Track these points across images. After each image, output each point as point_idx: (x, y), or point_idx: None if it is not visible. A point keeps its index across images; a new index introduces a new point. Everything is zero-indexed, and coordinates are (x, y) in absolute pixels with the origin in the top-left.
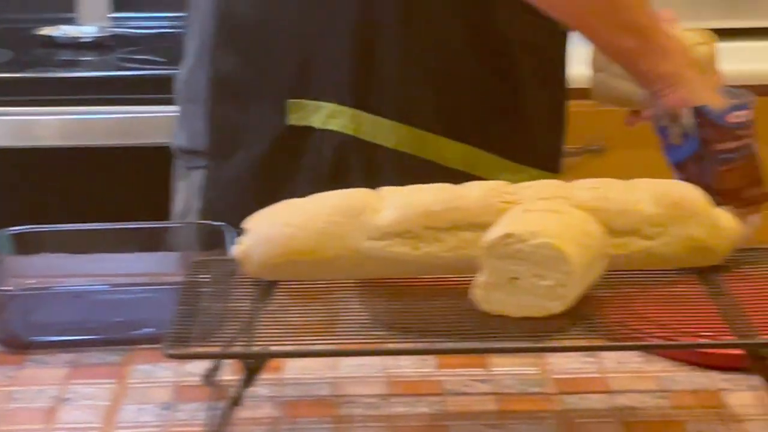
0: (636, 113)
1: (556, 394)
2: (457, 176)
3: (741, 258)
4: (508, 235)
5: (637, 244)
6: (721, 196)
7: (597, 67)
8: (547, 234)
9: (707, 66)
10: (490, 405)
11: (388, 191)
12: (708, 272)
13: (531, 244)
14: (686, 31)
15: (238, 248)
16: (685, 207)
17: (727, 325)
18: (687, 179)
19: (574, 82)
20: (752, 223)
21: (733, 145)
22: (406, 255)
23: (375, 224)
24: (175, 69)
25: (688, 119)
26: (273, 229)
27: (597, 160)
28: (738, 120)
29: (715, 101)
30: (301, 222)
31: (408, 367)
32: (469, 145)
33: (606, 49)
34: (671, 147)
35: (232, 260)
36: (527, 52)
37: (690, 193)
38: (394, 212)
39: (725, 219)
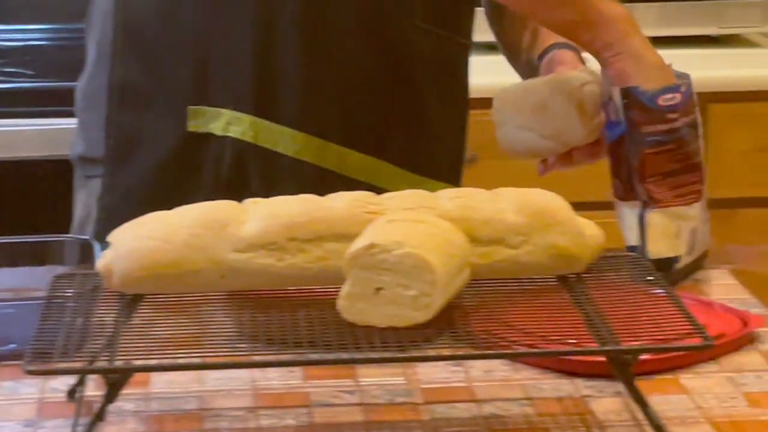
0: (545, 162)
1: (423, 403)
2: (358, 186)
3: (604, 265)
4: (372, 246)
5: (502, 252)
6: (645, 179)
7: (501, 121)
8: (411, 244)
9: (596, 103)
10: (358, 416)
11: (252, 203)
12: (572, 280)
13: (395, 254)
14: (575, 72)
15: (101, 262)
16: (548, 215)
17: (591, 333)
18: (616, 160)
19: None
20: (692, 213)
21: (662, 127)
22: (271, 267)
23: (239, 236)
24: (44, 82)
25: (617, 99)
26: (136, 242)
27: (469, 170)
28: (669, 103)
29: (653, 74)
30: (164, 235)
31: (275, 379)
32: (369, 155)
33: (546, 23)
34: (610, 124)
35: (97, 274)
36: (428, 64)
37: (553, 202)
38: (259, 224)
39: (588, 227)
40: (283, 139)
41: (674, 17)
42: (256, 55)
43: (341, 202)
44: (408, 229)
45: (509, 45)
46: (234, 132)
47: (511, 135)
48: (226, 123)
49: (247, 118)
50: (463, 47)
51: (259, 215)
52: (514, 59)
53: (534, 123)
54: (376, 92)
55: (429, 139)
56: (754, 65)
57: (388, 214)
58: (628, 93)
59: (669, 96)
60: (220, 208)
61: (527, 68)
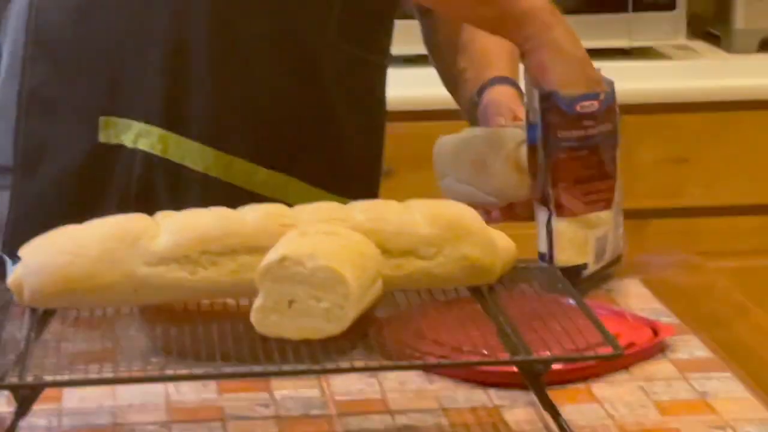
0: (488, 213)
1: (337, 415)
2: (266, 202)
3: (516, 275)
4: (284, 258)
5: (414, 264)
6: (556, 184)
7: (441, 173)
8: (323, 256)
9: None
10: (272, 428)
11: (164, 216)
12: (484, 290)
13: (308, 266)
14: (512, 129)
15: (11, 277)
16: (460, 227)
17: (503, 343)
18: (533, 162)
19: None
20: (601, 219)
21: (577, 133)
22: (184, 280)
23: (151, 250)
24: None
25: (536, 102)
26: (47, 257)
27: (384, 182)
28: (587, 110)
29: (573, 68)
30: (76, 249)
31: (189, 393)
32: (279, 172)
33: (469, 21)
34: (529, 126)
35: (8, 289)
36: (342, 82)
37: (464, 213)
38: (170, 237)
39: (500, 238)
40: (192, 154)
41: (587, 30)
42: (167, 68)
43: (254, 215)
44: (320, 242)
45: (448, 76)
46: (143, 144)
47: (452, 188)
48: (137, 135)
49: (156, 131)
50: (378, 66)
51: (171, 228)
52: (452, 88)
53: (474, 179)
54: (287, 109)
55: (343, 158)
56: (666, 77)
57: (300, 226)
58: (547, 97)
59: (587, 103)
60: (132, 221)
61: (468, 104)
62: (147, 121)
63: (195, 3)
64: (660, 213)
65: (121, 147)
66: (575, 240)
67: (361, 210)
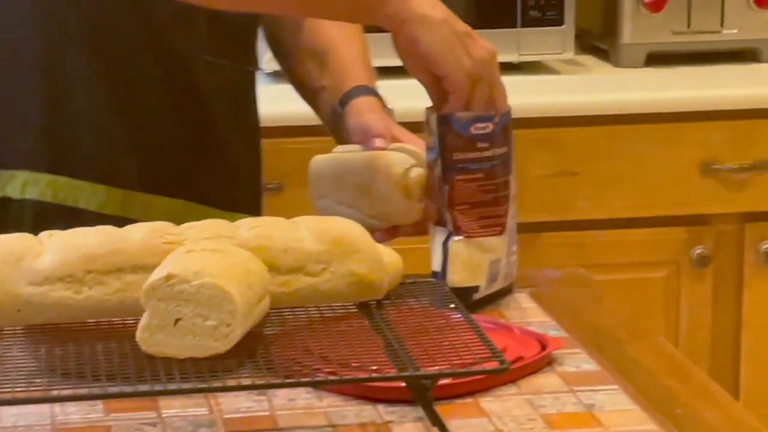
0: (371, 233)
1: None
2: None
3: (404, 291)
4: (169, 276)
5: (302, 281)
6: (453, 206)
7: (318, 194)
8: (209, 274)
9: (422, 185)
10: None
11: (48, 235)
12: (372, 306)
13: (193, 284)
14: (399, 154)
15: None
16: (347, 243)
17: (390, 358)
18: (431, 183)
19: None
20: (496, 245)
21: (472, 156)
22: (69, 299)
23: (35, 269)
24: None
25: (433, 124)
26: None
27: (274, 198)
28: (481, 132)
29: (443, 31)
30: None
31: (75, 413)
32: (175, 198)
33: (325, 16)
34: (428, 149)
35: None
36: (220, 96)
37: (351, 230)
38: (55, 256)
39: (387, 253)
40: (84, 195)
41: None
42: (46, 113)
43: (139, 233)
44: (206, 259)
45: (301, 82)
46: (31, 193)
47: (330, 210)
48: (22, 185)
49: (44, 178)
50: (249, 74)
51: (55, 247)
52: (310, 99)
53: (356, 203)
54: (173, 133)
55: (229, 173)
56: (554, 91)
57: (186, 244)
58: (443, 120)
59: (482, 125)
60: (15, 240)
61: (330, 116)
62: (33, 169)
63: (70, 45)
64: (549, 226)
65: (7, 200)
66: (470, 262)
67: (247, 227)
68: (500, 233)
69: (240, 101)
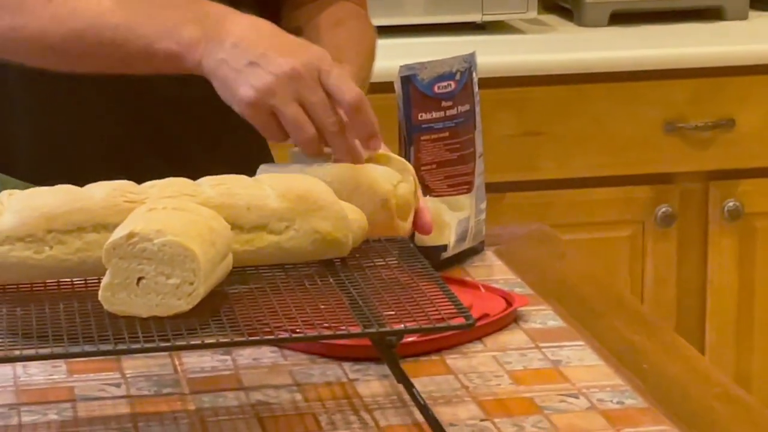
0: None
1: (190, 393)
2: None
3: (370, 250)
4: (131, 235)
5: (265, 239)
6: (420, 167)
7: None
8: (171, 232)
9: (409, 202)
10: (124, 408)
11: (8, 195)
12: (337, 264)
13: (156, 242)
14: (383, 169)
15: None
16: (310, 200)
17: (355, 316)
18: (400, 146)
19: None
20: (464, 203)
21: (436, 115)
22: (30, 259)
23: None
24: None
25: (397, 87)
26: None
27: None
28: (444, 91)
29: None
30: None
31: (37, 375)
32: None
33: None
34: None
35: None
36: (178, 105)
37: (315, 187)
38: (15, 216)
39: (351, 211)
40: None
41: (439, 5)
42: None
43: (100, 192)
44: (168, 218)
45: None
46: None
47: None
48: None
49: None
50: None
51: (15, 207)
52: None
53: None
54: (119, 140)
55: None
56: (519, 51)
57: (148, 202)
58: (406, 80)
59: (444, 83)
60: None
61: None
62: None
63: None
64: (514, 186)
65: None
66: (437, 221)
67: (210, 185)
68: (468, 191)
69: (200, 108)
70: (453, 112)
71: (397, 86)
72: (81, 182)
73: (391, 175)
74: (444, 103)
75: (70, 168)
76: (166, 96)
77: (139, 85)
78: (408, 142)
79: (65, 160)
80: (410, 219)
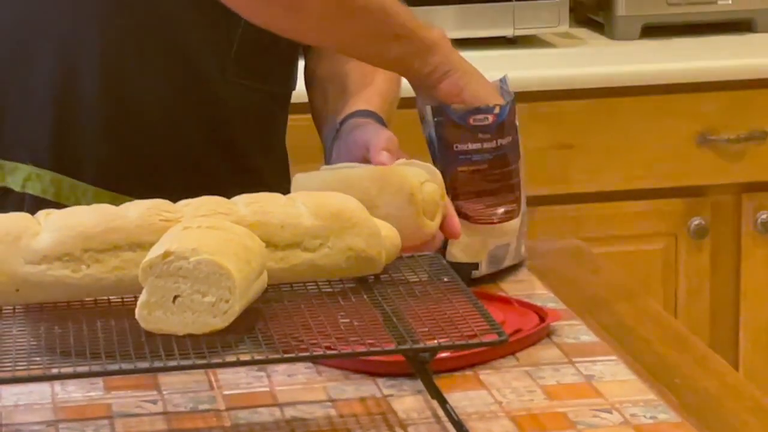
0: None
1: (225, 410)
2: None
3: (402, 265)
4: (167, 254)
5: (299, 256)
6: (458, 197)
7: None
8: (207, 250)
9: (435, 202)
10: (160, 425)
11: (46, 214)
12: (370, 281)
13: (191, 261)
14: (411, 168)
15: None
16: (344, 218)
17: (389, 332)
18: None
19: None
20: (506, 230)
21: (473, 147)
22: (67, 278)
23: (33, 248)
24: None
25: (429, 116)
26: None
27: None
28: (480, 123)
29: (483, 83)
30: None
31: (75, 392)
32: None
33: (377, 62)
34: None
35: None
36: (245, 118)
37: (348, 204)
38: (52, 235)
39: (384, 227)
40: (86, 197)
41: (471, 19)
42: (56, 108)
43: (136, 211)
44: (203, 236)
45: (314, 107)
46: (33, 189)
47: None
48: (24, 179)
49: (47, 175)
50: (281, 98)
51: (52, 226)
52: (321, 126)
53: None
54: (188, 150)
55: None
56: (550, 65)
57: (183, 221)
58: (439, 111)
59: (481, 117)
60: (13, 220)
61: (327, 128)
62: (36, 164)
63: (82, 45)
64: (546, 200)
65: (8, 190)
66: (471, 245)
67: (245, 203)
68: (509, 219)
69: (268, 124)
70: (491, 144)
71: (428, 116)
72: (151, 187)
73: (418, 174)
74: (481, 135)
75: (139, 173)
76: (235, 106)
77: (212, 92)
78: (445, 173)
79: (135, 164)
80: (437, 220)
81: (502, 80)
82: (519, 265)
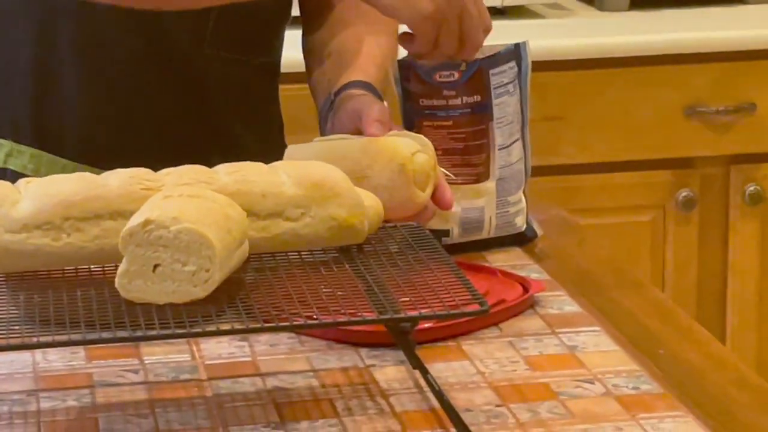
0: None
1: (207, 380)
2: None
3: (385, 236)
4: (147, 222)
5: (281, 226)
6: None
7: None
8: (187, 219)
9: (427, 173)
10: (141, 394)
11: (26, 182)
12: (353, 251)
13: (171, 230)
14: (403, 138)
15: None
16: (327, 187)
17: (371, 302)
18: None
19: None
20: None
21: (437, 102)
22: (47, 247)
23: (13, 217)
24: None
25: (396, 72)
26: None
27: None
28: (446, 80)
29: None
30: None
31: (57, 361)
32: None
33: None
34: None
35: None
36: (228, 89)
37: (331, 174)
38: (32, 203)
39: (367, 197)
40: (67, 173)
41: None
42: (35, 87)
43: (117, 180)
44: (184, 205)
45: (312, 80)
46: (14, 164)
47: None
48: (5, 155)
49: (27, 150)
50: (266, 69)
51: (33, 195)
52: (315, 93)
53: None
54: (169, 123)
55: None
56: (539, 35)
57: (164, 190)
58: (406, 65)
59: (446, 73)
60: None
61: (323, 99)
62: (16, 140)
63: (60, 18)
64: (535, 171)
65: None
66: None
67: (226, 172)
68: (475, 182)
69: (251, 94)
70: (456, 102)
71: (395, 73)
72: (131, 162)
73: (409, 145)
74: (446, 92)
75: (120, 148)
76: (215, 77)
77: (190, 64)
78: (411, 126)
79: (115, 138)
80: (428, 191)
81: (520, 45)
82: (528, 241)
